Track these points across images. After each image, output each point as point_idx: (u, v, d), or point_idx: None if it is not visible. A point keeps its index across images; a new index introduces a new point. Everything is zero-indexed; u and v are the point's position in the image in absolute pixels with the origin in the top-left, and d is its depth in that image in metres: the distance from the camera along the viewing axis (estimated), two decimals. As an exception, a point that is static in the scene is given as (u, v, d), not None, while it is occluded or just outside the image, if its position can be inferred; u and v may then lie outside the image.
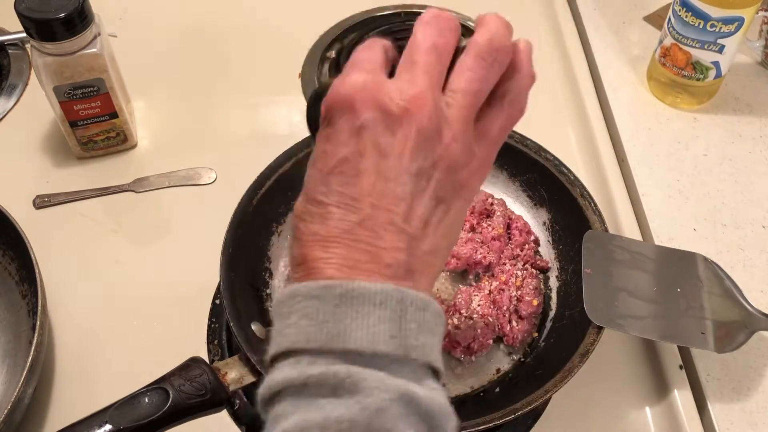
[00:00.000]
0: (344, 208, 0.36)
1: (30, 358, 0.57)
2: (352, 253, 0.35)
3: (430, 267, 0.38)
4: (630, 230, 0.73)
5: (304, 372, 0.33)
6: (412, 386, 0.33)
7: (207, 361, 0.55)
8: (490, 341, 0.63)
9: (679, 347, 0.65)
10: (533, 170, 0.71)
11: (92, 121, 0.78)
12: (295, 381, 0.33)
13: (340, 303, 0.33)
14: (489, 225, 0.69)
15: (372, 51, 0.39)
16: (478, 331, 0.62)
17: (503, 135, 0.40)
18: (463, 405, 0.61)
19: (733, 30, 0.75)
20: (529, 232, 0.71)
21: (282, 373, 0.34)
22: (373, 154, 0.36)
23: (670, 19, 0.79)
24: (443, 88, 0.38)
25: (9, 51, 0.92)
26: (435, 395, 0.34)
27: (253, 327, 0.62)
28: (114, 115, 0.78)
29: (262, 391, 0.35)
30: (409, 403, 0.33)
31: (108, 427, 0.49)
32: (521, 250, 0.69)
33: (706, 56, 0.78)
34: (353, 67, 0.38)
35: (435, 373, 0.36)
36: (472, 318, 0.62)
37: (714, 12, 0.74)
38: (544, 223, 0.71)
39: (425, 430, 0.33)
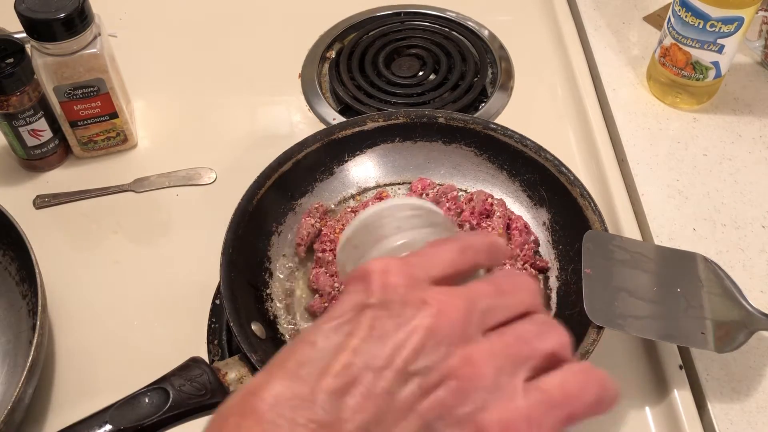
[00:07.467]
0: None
1: (30, 358, 0.57)
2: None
3: None
4: (630, 230, 0.73)
5: None
6: None
7: (207, 361, 0.56)
8: (490, 341, 0.63)
9: (679, 347, 0.65)
10: (533, 170, 0.71)
11: (92, 121, 0.78)
12: None
13: None
14: (489, 225, 0.69)
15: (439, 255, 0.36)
16: (478, 331, 0.62)
17: (565, 399, 0.33)
18: (463, 405, 0.61)
19: (732, 30, 0.75)
20: (529, 232, 0.71)
21: None
22: (367, 335, 0.32)
23: (669, 19, 0.79)
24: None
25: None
26: None
27: (253, 327, 0.62)
28: (114, 115, 0.78)
29: None
30: None
31: (108, 427, 0.49)
32: (521, 250, 0.69)
33: (705, 56, 0.78)
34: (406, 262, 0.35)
35: None
36: (472, 318, 0.62)
37: (714, 12, 0.74)
38: (544, 223, 0.71)
39: None
